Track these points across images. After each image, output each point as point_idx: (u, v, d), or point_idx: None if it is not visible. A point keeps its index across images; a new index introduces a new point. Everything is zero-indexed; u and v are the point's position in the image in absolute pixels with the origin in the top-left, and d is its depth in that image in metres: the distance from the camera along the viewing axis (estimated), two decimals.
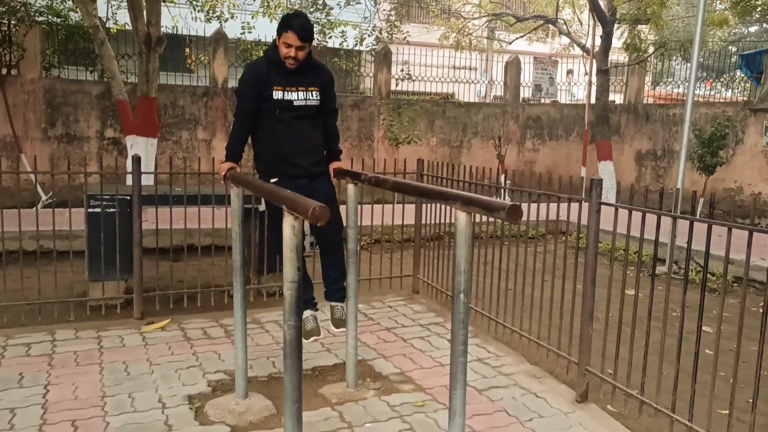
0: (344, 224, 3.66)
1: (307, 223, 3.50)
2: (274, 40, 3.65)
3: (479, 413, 3.30)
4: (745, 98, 12.65)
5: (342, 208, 3.67)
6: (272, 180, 3.56)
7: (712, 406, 2.90)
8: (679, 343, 3.06)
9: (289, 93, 3.61)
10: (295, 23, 3.52)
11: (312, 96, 3.68)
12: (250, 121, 3.67)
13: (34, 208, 4.86)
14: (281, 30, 3.54)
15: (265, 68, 3.61)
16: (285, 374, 2.19)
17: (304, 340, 3.76)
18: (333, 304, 3.87)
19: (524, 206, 2.39)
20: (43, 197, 9.12)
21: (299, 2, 12.37)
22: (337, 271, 3.87)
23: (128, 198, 4.73)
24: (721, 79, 14.35)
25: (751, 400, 2.74)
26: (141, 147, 8.83)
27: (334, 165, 3.89)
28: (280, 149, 3.67)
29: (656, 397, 3.17)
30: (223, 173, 3.58)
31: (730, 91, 14.32)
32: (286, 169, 3.66)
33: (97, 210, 4.76)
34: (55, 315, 4.65)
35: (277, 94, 3.59)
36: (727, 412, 2.81)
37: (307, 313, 3.80)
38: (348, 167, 3.81)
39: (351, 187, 3.48)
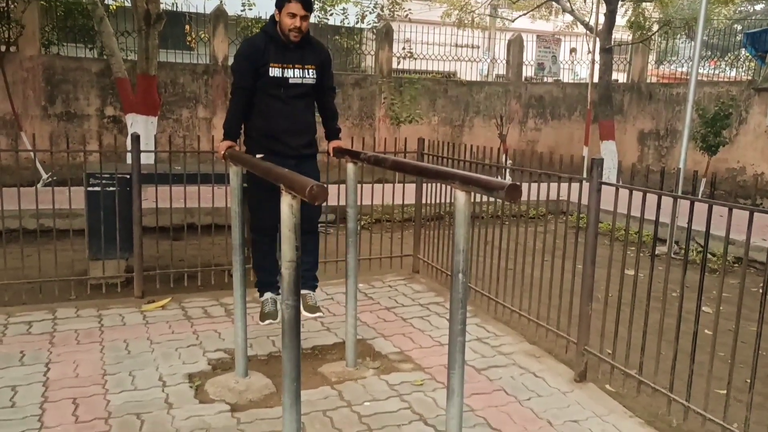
0: (322, 211, 3.73)
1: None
2: (272, 16, 3.63)
3: (478, 392, 3.32)
4: (750, 77, 12.55)
5: (341, 187, 3.66)
6: (258, 156, 3.55)
7: (710, 386, 2.91)
8: (678, 323, 3.06)
9: (286, 70, 3.58)
10: None
11: (308, 74, 3.66)
12: (247, 97, 3.64)
13: (34, 187, 4.84)
14: (283, 1, 3.52)
15: (263, 44, 3.58)
16: (283, 352, 2.20)
17: (259, 322, 3.84)
18: (305, 292, 3.83)
19: (525, 186, 2.38)
20: (44, 176, 9.11)
21: None
22: (310, 256, 3.85)
23: (128, 176, 4.71)
24: (726, 58, 14.22)
25: (749, 380, 2.75)
26: (141, 125, 8.79)
27: (333, 144, 3.88)
28: (272, 127, 3.65)
29: (654, 377, 3.19)
30: (221, 152, 3.56)
31: (734, 70, 14.19)
32: (276, 147, 3.64)
33: (97, 189, 4.75)
34: (56, 293, 4.66)
35: (274, 71, 3.56)
36: (725, 391, 2.83)
37: (267, 295, 3.83)
38: (348, 146, 3.80)
39: (350, 166, 3.46)
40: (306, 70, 3.65)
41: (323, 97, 3.88)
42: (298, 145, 3.71)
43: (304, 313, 3.76)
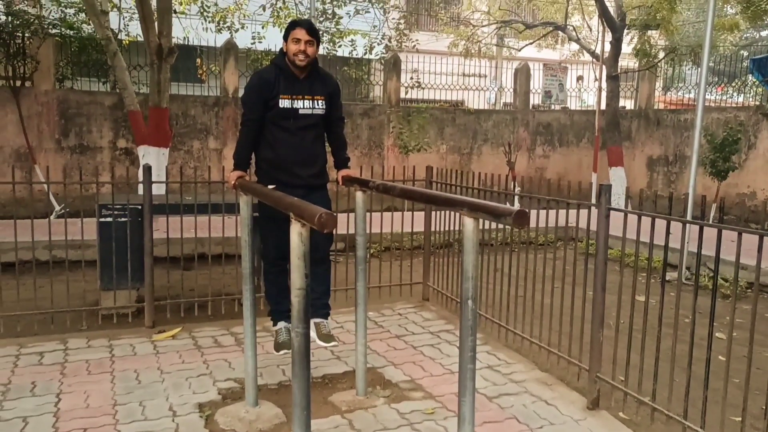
0: (333, 240, 3.73)
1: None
2: (281, 48, 3.70)
3: (489, 420, 3.28)
4: (758, 103, 12.56)
5: (351, 216, 3.68)
6: (269, 187, 3.53)
7: (725, 413, 2.87)
8: (691, 349, 3.03)
9: (296, 101, 3.62)
10: (302, 21, 3.67)
11: (318, 105, 3.70)
12: (256, 129, 3.67)
13: (48, 219, 4.90)
14: (288, 30, 3.61)
15: (273, 76, 3.63)
16: (293, 381, 2.20)
17: (274, 352, 3.77)
18: (318, 320, 3.75)
19: (534, 213, 2.39)
20: (57, 207, 9.21)
21: (308, 12, 12.45)
22: (322, 285, 3.82)
23: (139, 207, 4.77)
24: (733, 84, 14.26)
25: (764, 407, 2.71)
26: (153, 157, 8.90)
27: (342, 173, 3.90)
28: (281, 158, 3.67)
29: (668, 404, 3.15)
30: (232, 182, 3.58)
31: (741, 95, 14.22)
32: (285, 178, 3.65)
33: (109, 219, 4.80)
34: (68, 324, 4.69)
35: (283, 103, 3.60)
36: (740, 419, 2.79)
37: (280, 325, 3.78)
38: (357, 175, 3.82)
39: (359, 195, 3.49)
40: (315, 101, 3.68)
41: (332, 127, 3.91)
42: (307, 176, 3.73)
43: (318, 342, 3.71)
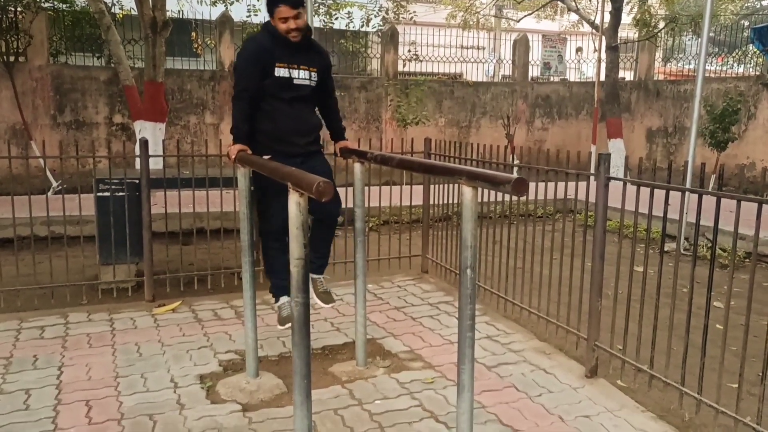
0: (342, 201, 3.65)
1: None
2: (270, 19, 3.52)
3: (488, 389, 3.31)
4: (758, 73, 12.48)
5: (349, 190, 3.66)
6: (265, 157, 3.45)
7: (722, 380, 2.90)
8: (688, 318, 3.05)
9: (292, 70, 3.51)
10: None
11: (312, 76, 3.60)
12: (254, 98, 3.52)
13: (45, 195, 4.89)
14: (271, 8, 3.43)
15: (270, 42, 3.47)
16: (294, 350, 2.21)
17: (279, 327, 3.72)
18: (315, 276, 3.74)
19: (532, 185, 2.38)
20: (54, 183, 9.18)
21: None
22: (326, 246, 3.83)
23: (137, 181, 4.75)
24: (733, 54, 14.15)
25: (761, 374, 2.73)
26: (149, 132, 8.86)
27: (340, 144, 3.87)
28: (279, 128, 3.56)
29: (666, 372, 3.17)
30: (233, 155, 3.44)
31: (742, 66, 14.12)
32: (282, 147, 3.55)
33: (106, 194, 4.79)
34: (68, 298, 4.71)
35: (280, 71, 3.47)
36: (737, 385, 2.81)
37: (283, 299, 3.71)
38: (354, 146, 3.80)
39: (357, 166, 3.47)
40: (310, 72, 3.59)
41: (326, 100, 3.83)
42: (305, 143, 3.65)
43: (317, 301, 3.68)
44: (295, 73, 3.52)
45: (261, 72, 3.45)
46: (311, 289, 3.66)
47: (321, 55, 3.73)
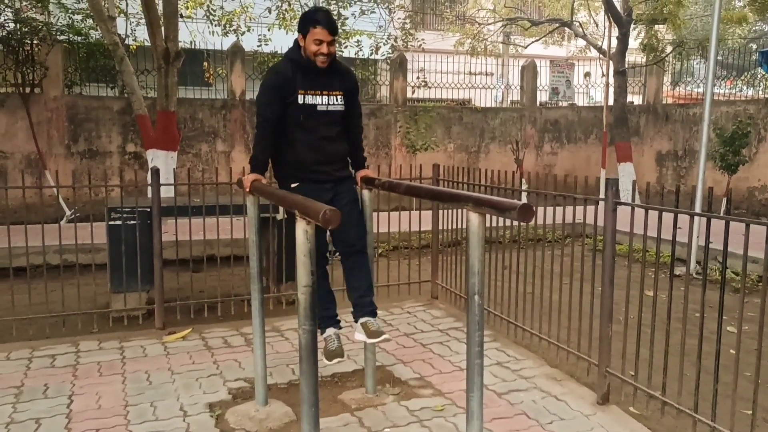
0: (367, 232, 3.48)
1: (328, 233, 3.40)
2: (296, 41, 3.44)
3: (499, 416, 3.28)
4: (767, 96, 12.47)
5: None
6: (293, 185, 3.38)
7: (736, 406, 2.86)
8: (700, 343, 3.02)
9: (314, 97, 3.38)
10: (321, 17, 3.32)
11: (336, 101, 3.45)
12: (274, 129, 3.40)
13: (58, 224, 4.95)
14: (307, 26, 3.30)
15: (291, 72, 3.36)
16: (301, 378, 2.21)
17: (326, 362, 3.38)
18: (364, 320, 3.44)
19: (541, 209, 2.39)
20: (67, 212, 9.28)
21: None
22: (365, 281, 3.52)
23: (148, 210, 4.80)
24: (742, 77, 14.16)
25: None
26: (161, 160, 8.96)
27: (360, 174, 3.64)
28: (302, 158, 3.42)
29: (678, 398, 3.13)
30: (248, 185, 3.34)
31: (751, 89, 14.12)
32: (310, 176, 3.42)
33: (118, 222, 4.84)
34: (79, 327, 4.73)
35: (302, 99, 3.35)
36: (751, 411, 2.77)
37: (329, 332, 3.47)
38: (375, 175, 3.64)
39: (366, 193, 3.50)
40: (334, 97, 3.44)
41: (350, 125, 3.62)
42: (333, 170, 3.49)
43: (367, 340, 3.41)
44: (317, 99, 3.39)
45: (281, 102, 3.35)
46: (363, 335, 3.41)
47: (346, 77, 3.55)
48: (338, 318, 3.59)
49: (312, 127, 3.41)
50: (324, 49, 3.31)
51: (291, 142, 3.43)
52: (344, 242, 3.49)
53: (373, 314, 3.46)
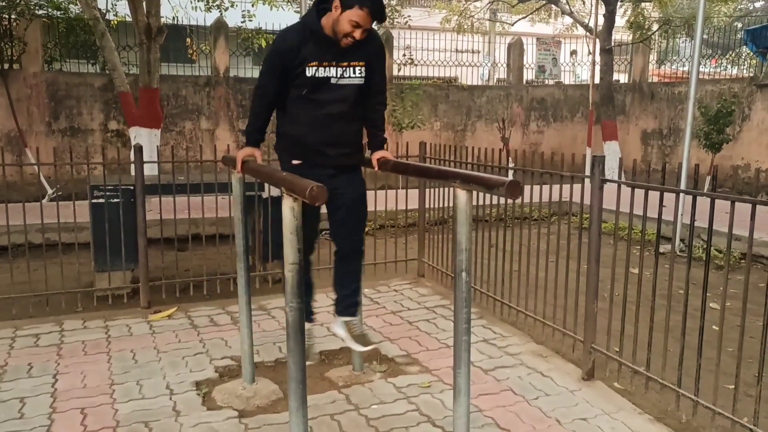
0: (365, 227, 3.28)
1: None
2: (315, 5, 3.01)
3: (485, 393, 3.31)
4: (752, 74, 12.54)
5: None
6: (294, 162, 3.10)
7: (719, 381, 2.90)
8: (684, 319, 3.05)
9: (327, 69, 2.98)
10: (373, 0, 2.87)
11: (355, 72, 3.03)
12: (272, 99, 3.10)
13: (40, 202, 4.87)
14: (353, 3, 2.83)
15: (300, 39, 2.96)
16: (288, 356, 2.20)
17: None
18: (347, 319, 3.24)
19: (528, 188, 2.39)
20: (49, 191, 9.16)
21: None
22: (354, 282, 3.33)
23: (131, 188, 4.74)
24: (727, 56, 14.21)
25: (757, 375, 2.73)
26: (144, 138, 8.85)
27: (377, 155, 3.21)
28: (306, 137, 3.08)
29: (662, 374, 3.17)
30: (239, 160, 3.05)
31: (736, 67, 14.19)
32: (313, 157, 3.10)
33: (101, 201, 4.77)
34: (63, 306, 4.69)
35: (311, 71, 2.96)
36: (734, 386, 2.81)
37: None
38: (393, 157, 3.30)
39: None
40: (352, 68, 3.02)
41: (370, 100, 3.18)
42: (338, 155, 3.13)
43: (354, 346, 3.22)
44: (331, 71, 2.99)
45: (285, 71, 3.00)
46: (346, 333, 3.22)
47: (369, 44, 3.04)
48: (312, 312, 3.61)
49: (319, 101, 3.02)
50: (358, 34, 2.89)
51: (296, 118, 3.09)
52: (341, 236, 3.29)
53: (354, 314, 3.30)
